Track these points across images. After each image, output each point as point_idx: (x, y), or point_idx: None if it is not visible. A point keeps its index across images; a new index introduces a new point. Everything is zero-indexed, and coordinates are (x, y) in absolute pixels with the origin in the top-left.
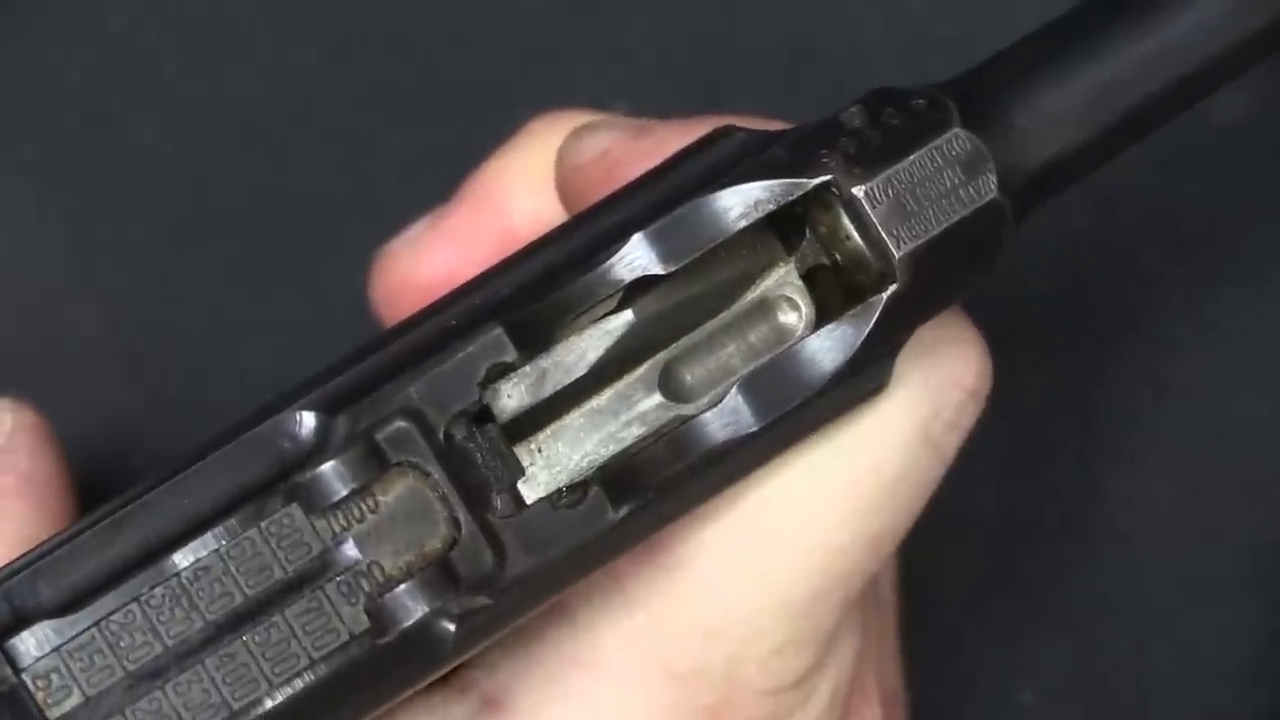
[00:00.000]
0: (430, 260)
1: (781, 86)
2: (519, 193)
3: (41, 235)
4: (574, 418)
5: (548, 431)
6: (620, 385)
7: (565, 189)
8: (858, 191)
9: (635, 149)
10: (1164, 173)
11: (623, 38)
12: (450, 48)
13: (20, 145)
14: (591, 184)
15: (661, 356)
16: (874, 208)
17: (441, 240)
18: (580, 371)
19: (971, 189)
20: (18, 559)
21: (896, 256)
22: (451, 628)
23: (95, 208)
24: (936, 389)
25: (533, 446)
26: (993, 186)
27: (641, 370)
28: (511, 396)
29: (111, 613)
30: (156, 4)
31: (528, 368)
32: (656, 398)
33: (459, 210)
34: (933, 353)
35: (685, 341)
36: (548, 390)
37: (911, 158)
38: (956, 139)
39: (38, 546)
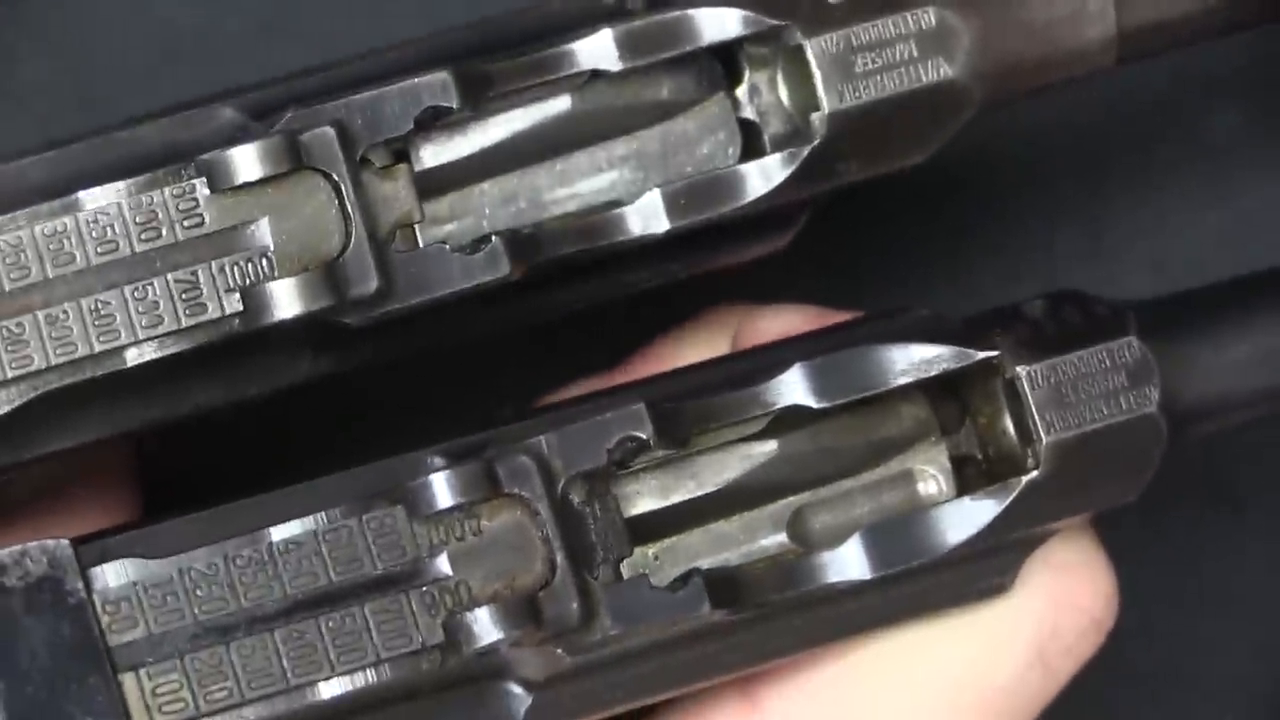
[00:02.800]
0: None
1: None
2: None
3: None
4: (697, 534)
5: (667, 542)
6: (749, 516)
7: None
8: (1020, 371)
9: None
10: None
11: None
12: None
13: None
14: None
15: (796, 499)
16: (1033, 390)
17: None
18: (713, 487)
19: (1133, 397)
20: (122, 526)
21: (1044, 441)
22: (529, 696)
23: None
24: (1061, 608)
25: (650, 551)
26: (1154, 400)
27: (773, 507)
28: (641, 494)
29: (196, 563)
30: (145, 28)
31: (660, 455)
32: (782, 537)
33: (632, 370)
34: (1063, 572)
35: (823, 491)
36: (677, 497)
37: (1080, 352)
38: (1129, 346)
39: (143, 520)
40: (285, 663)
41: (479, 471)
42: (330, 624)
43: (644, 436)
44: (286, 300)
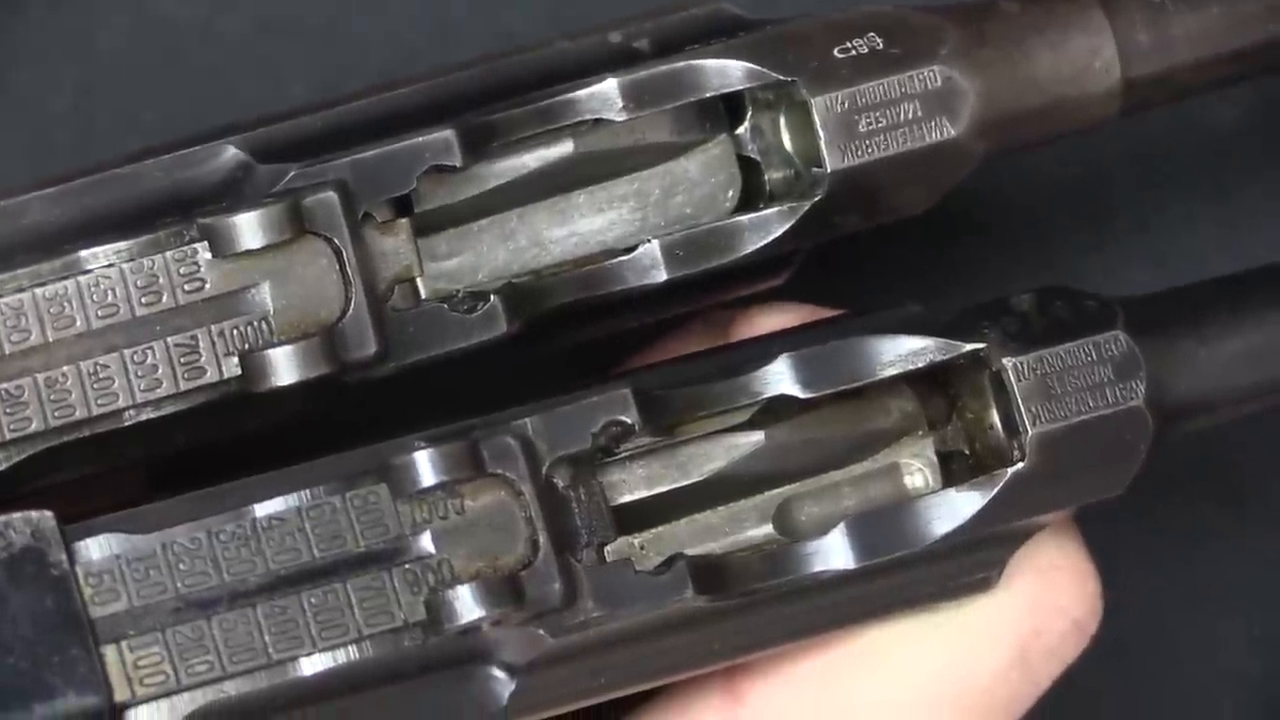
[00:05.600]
0: None
1: None
2: None
3: None
4: (682, 524)
5: (653, 531)
6: (735, 507)
7: None
8: (1006, 363)
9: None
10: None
11: None
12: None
13: (8, 163)
14: None
15: (782, 491)
16: (1019, 381)
17: None
18: (700, 476)
19: (1119, 390)
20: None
21: (1029, 433)
22: (512, 681)
23: None
24: (1044, 610)
25: (635, 541)
26: (1140, 394)
27: (759, 499)
28: (627, 483)
29: (179, 538)
30: (147, 24)
31: (646, 442)
32: (768, 529)
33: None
34: (1047, 573)
35: (809, 483)
36: (663, 487)
37: (1067, 345)
38: (1116, 340)
39: (131, 509)
40: (267, 637)
41: (463, 451)
42: (312, 600)
43: (629, 421)
44: (285, 367)
